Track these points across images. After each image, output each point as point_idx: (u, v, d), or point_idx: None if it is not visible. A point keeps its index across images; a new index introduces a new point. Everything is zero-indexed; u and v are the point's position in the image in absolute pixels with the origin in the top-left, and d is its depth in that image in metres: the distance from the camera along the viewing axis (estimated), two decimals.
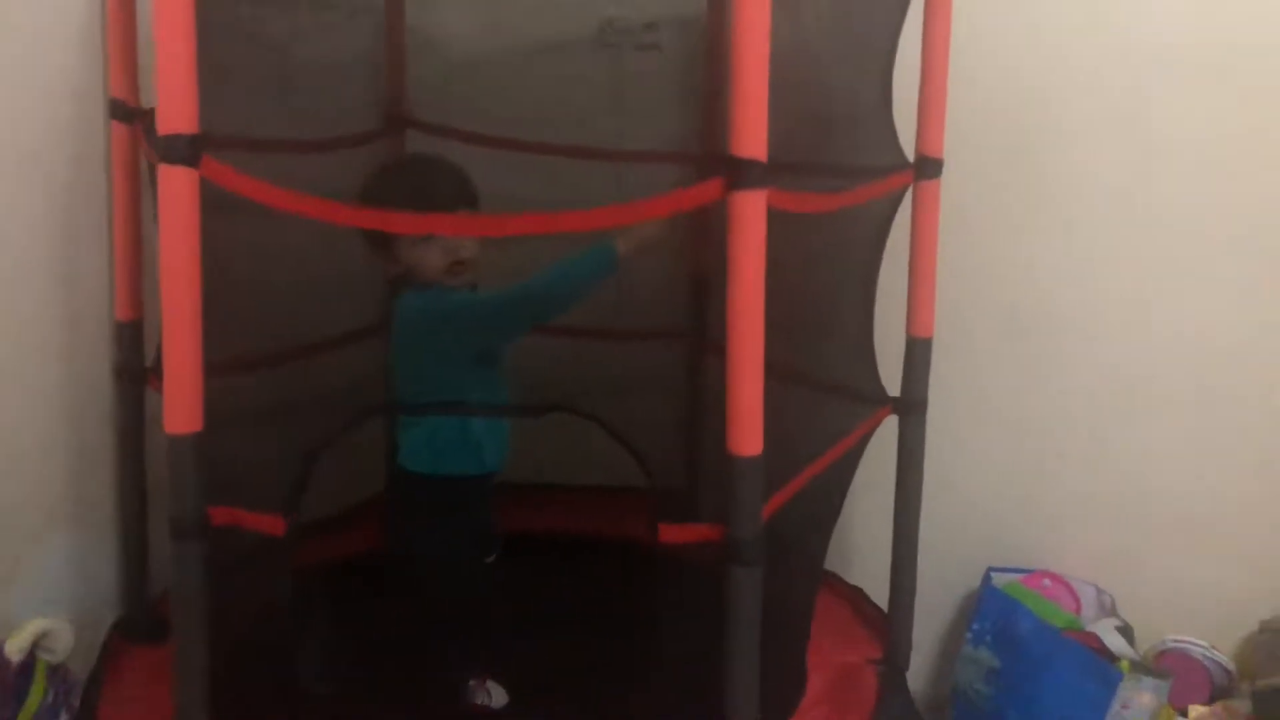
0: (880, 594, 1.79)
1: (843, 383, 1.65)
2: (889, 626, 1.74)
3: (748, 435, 1.16)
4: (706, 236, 1.99)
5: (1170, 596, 1.99)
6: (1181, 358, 1.95)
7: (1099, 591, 2.01)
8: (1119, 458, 2.01)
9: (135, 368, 1.58)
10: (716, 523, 1.20)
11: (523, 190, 1.90)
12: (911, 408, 1.67)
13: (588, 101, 2.05)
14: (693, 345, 2.12)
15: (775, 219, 1.16)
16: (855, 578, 1.94)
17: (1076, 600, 2.00)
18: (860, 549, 2.00)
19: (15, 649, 1.42)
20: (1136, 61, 1.89)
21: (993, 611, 1.93)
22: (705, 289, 2.08)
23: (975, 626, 1.94)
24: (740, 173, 1.12)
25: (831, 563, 1.83)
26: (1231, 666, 1.94)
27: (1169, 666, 1.91)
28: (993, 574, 2.03)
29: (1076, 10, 1.89)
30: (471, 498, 1.60)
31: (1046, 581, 2.02)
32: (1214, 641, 1.95)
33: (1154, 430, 1.98)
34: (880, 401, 1.66)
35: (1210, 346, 1.94)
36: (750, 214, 1.14)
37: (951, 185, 1.62)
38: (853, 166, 1.57)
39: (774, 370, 1.19)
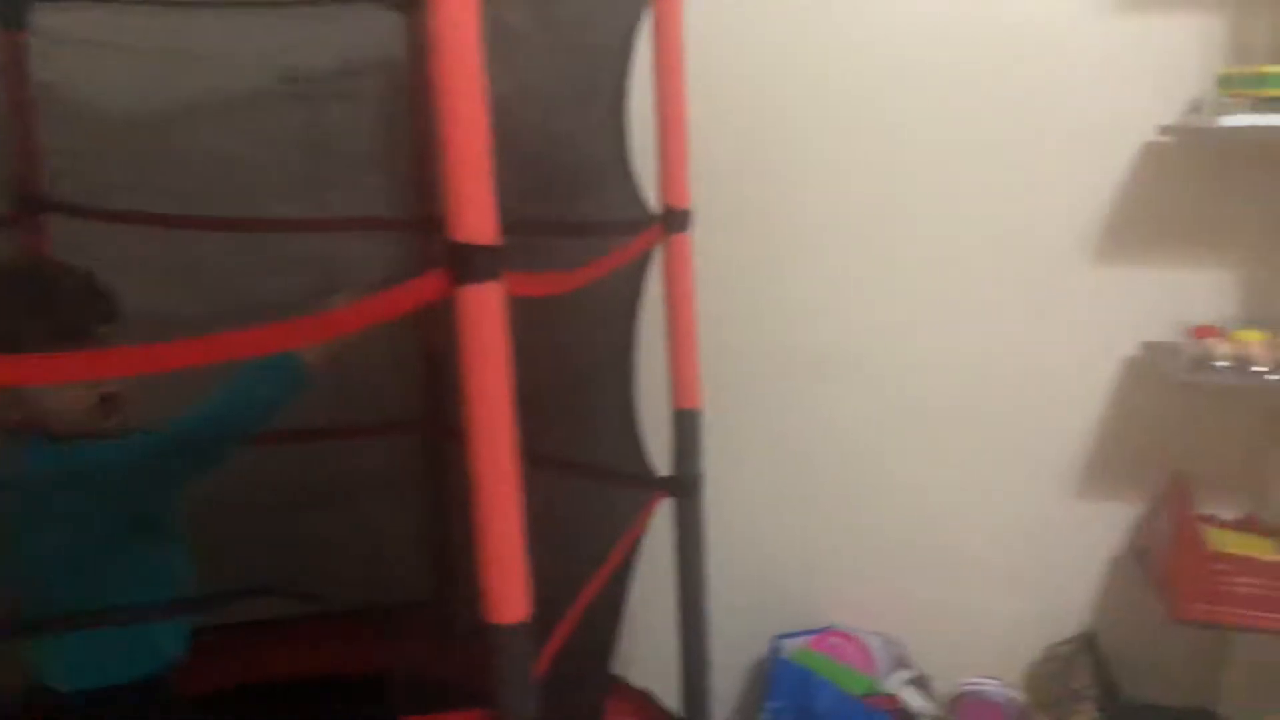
0: (663, 685, 1.60)
1: (610, 472, 1.45)
2: None
3: (509, 598, 0.91)
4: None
5: (955, 632, 1.92)
6: (944, 385, 1.88)
7: (886, 641, 1.91)
8: (886, 496, 1.92)
9: None
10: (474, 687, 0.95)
11: (211, 278, 1.60)
12: (687, 487, 1.48)
13: (280, 165, 1.74)
14: (428, 432, 1.86)
15: (513, 301, 0.93)
16: (637, 674, 1.74)
17: (867, 654, 1.89)
18: (639, 641, 1.80)
19: None
20: (882, 83, 1.79)
21: (788, 687, 1.79)
22: (438, 366, 1.82)
23: (771, 705, 1.79)
24: (468, 263, 0.88)
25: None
26: (1024, 699, 1.89)
27: (967, 712, 1.84)
28: (780, 641, 1.89)
29: (815, 34, 1.79)
30: (149, 705, 1.21)
31: (833, 640, 1.90)
32: (1003, 671, 1.90)
33: (918, 465, 1.91)
34: (652, 485, 1.47)
35: (971, 370, 1.87)
36: (486, 311, 0.90)
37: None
38: (595, 226, 1.37)
39: (531, 476, 0.95)
